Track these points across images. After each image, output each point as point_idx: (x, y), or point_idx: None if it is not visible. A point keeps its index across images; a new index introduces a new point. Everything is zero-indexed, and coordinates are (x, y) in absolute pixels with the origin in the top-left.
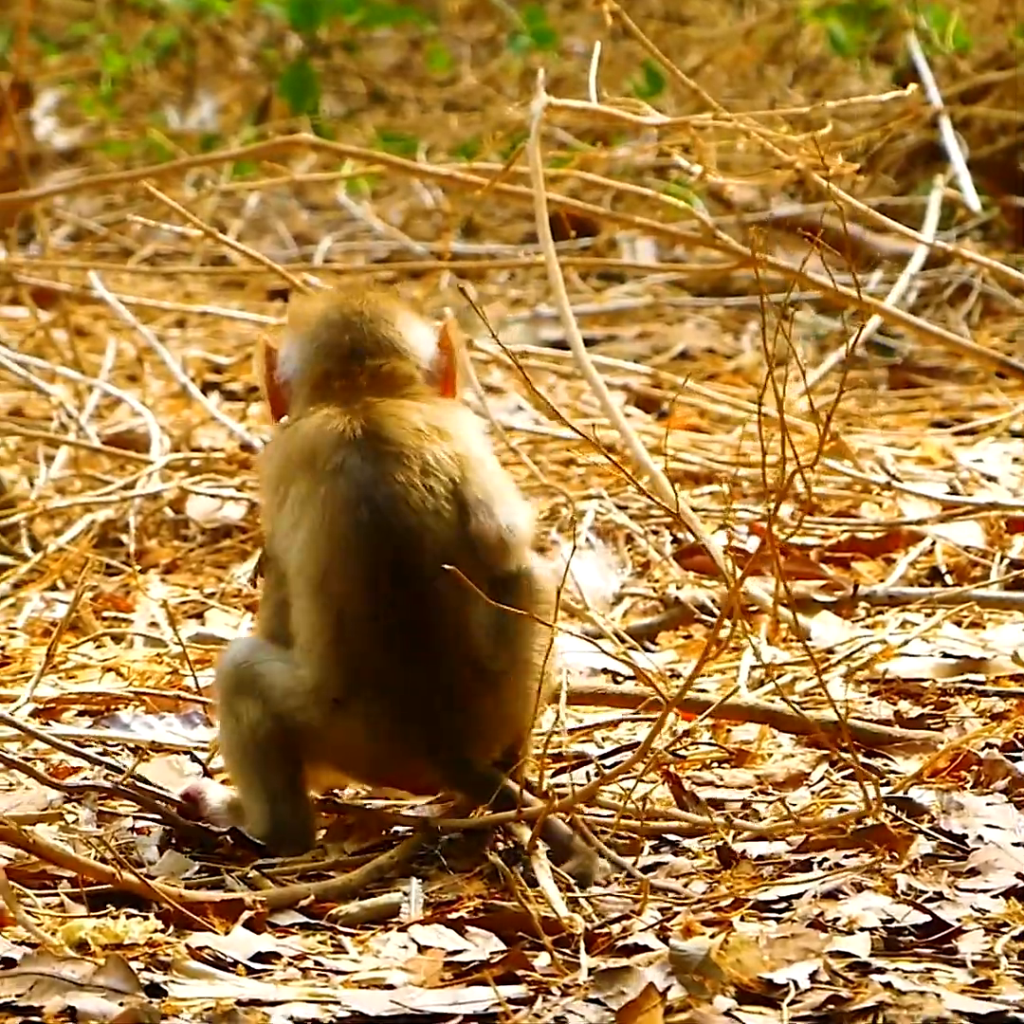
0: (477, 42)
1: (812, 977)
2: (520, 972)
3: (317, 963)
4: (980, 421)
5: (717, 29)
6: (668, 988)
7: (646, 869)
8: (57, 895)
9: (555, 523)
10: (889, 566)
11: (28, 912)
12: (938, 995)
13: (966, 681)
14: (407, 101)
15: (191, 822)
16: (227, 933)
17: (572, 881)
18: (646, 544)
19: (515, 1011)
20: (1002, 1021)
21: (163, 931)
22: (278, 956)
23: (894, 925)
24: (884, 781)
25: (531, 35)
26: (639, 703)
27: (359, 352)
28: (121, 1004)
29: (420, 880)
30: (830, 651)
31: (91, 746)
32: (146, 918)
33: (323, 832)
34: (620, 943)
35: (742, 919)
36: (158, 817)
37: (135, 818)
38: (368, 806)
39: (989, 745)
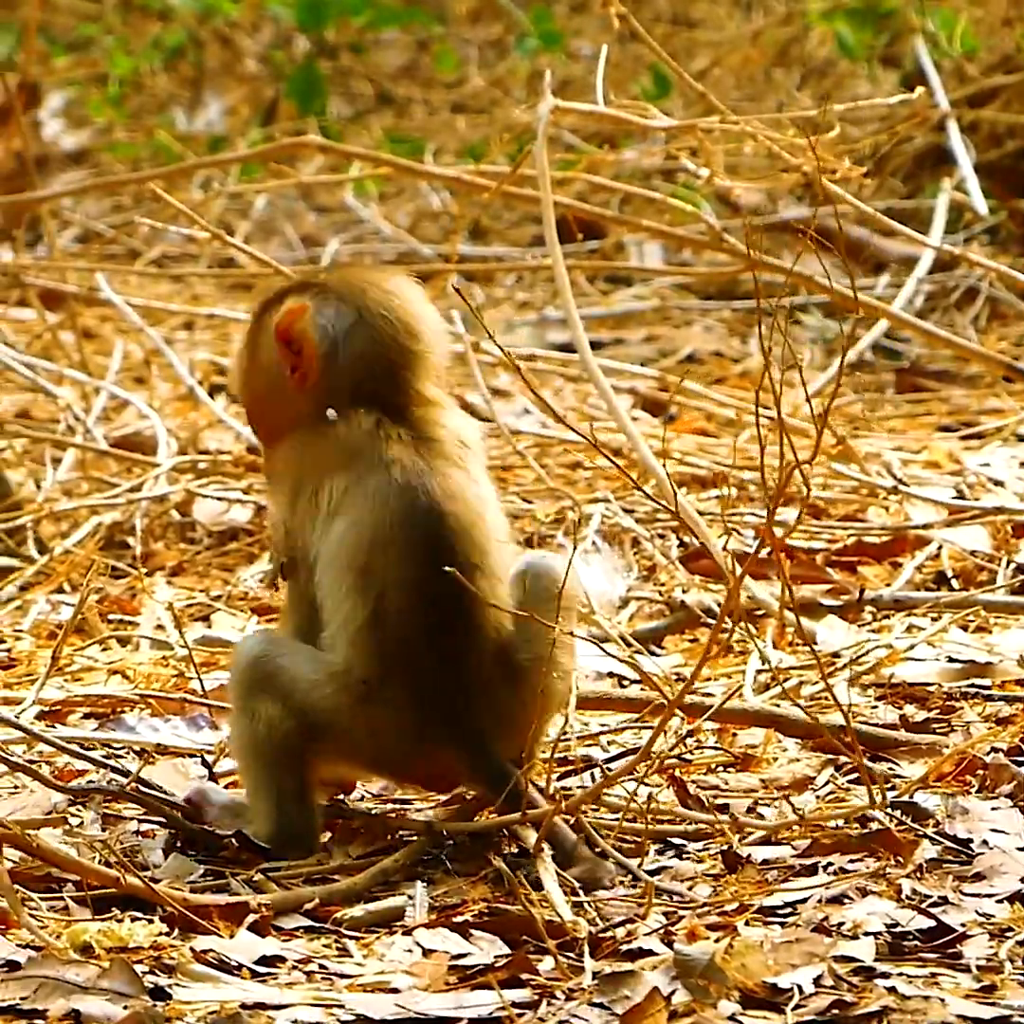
0: (484, 44)
1: (816, 982)
2: (524, 976)
3: (322, 966)
4: (987, 425)
5: (724, 32)
6: (672, 992)
7: (651, 873)
8: (61, 898)
9: (561, 526)
10: (895, 570)
11: (32, 915)
12: (942, 1000)
13: (972, 685)
14: (414, 103)
15: (196, 825)
16: (232, 936)
17: (579, 886)
18: (652, 548)
19: (519, 1015)
20: None
21: (168, 934)
22: (283, 959)
23: (899, 930)
24: (890, 785)
25: (538, 37)
26: (645, 707)
27: (406, 358)
28: (125, 1007)
29: (425, 884)
30: (836, 655)
31: (96, 749)
32: (151, 921)
33: (327, 836)
34: (624, 947)
35: (747, 923)
36: (163, 820)
37: (140, 821)
38: (374, 810)
39: (995, 749)
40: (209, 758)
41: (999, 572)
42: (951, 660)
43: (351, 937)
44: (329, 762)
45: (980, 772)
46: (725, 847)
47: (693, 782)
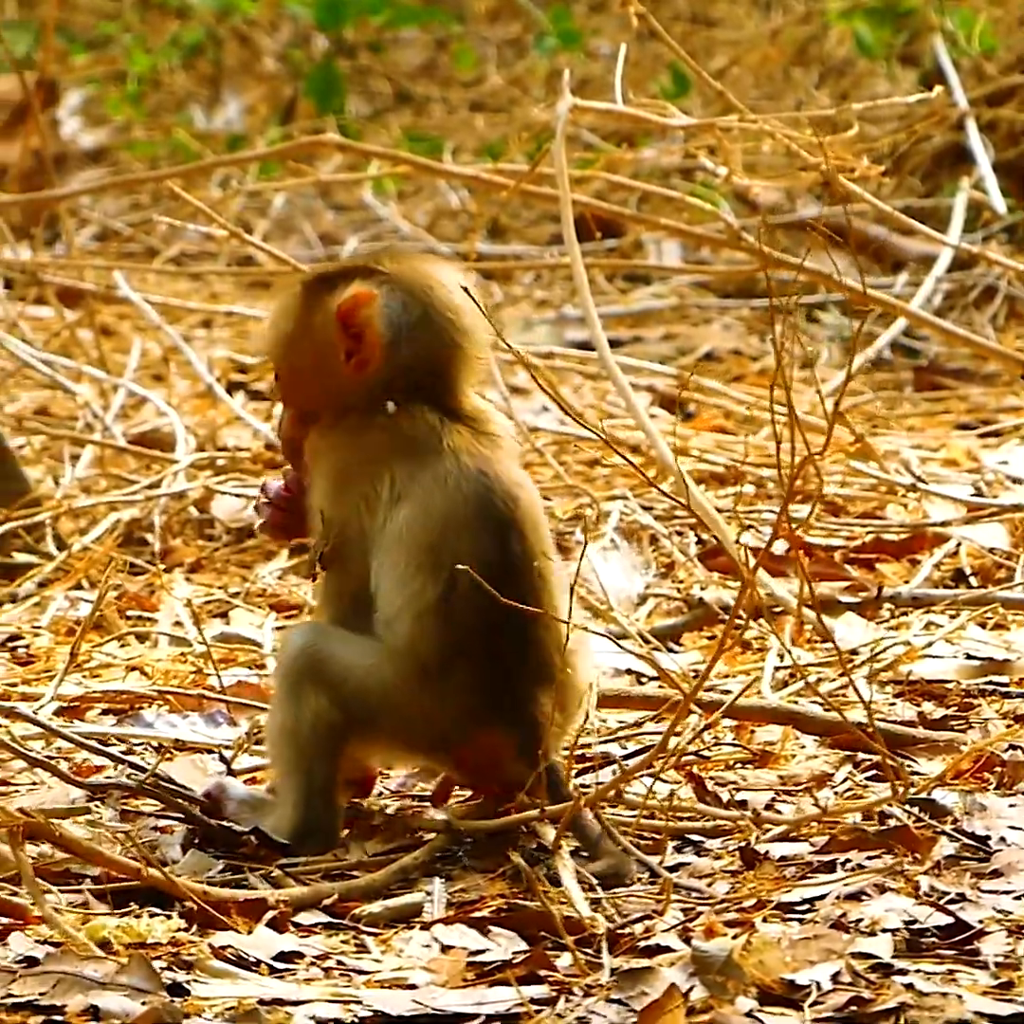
0: (503, 43)
1: (834, 978)
2: (542, 972)
3: (340, 962)
4: (1005, 423)
5: (743, 31)
6: (690, 989)
7: (669, 870)
8: (80, 893)
9: (579, 524)
10: (914, 567)
11: (53, 910)
12: (960, 996)
13: (990, 683)
14: (433, 102)
15: (214, 821)
16: (250, 932)
17: (601, 881)
18: (670, 545)
19: (537, 1011)
20: None
21: (186, 930)
22: (301, 955)
23: (916, 926)
24: (909, 783)
25: (557, 36)
26: (663, 704)
27: (462, 358)
28: (144, 1003)
29: (443, 880)
30: (854, 652)
31: (115, 745)
32: (169, 917)
33: (346, 832)
34: (642, 944)
35: (765, 920)
36: (181, 816)
37: (158, 817)
38: (392, 807)
39: (1013, 747)
40: (227, 754)
41: (1017, 569)
42: (969, 657)
43: (369, 933)
44: (373, 747)
45: (998, 769)
46: (743, 844)
47: (711, 779)
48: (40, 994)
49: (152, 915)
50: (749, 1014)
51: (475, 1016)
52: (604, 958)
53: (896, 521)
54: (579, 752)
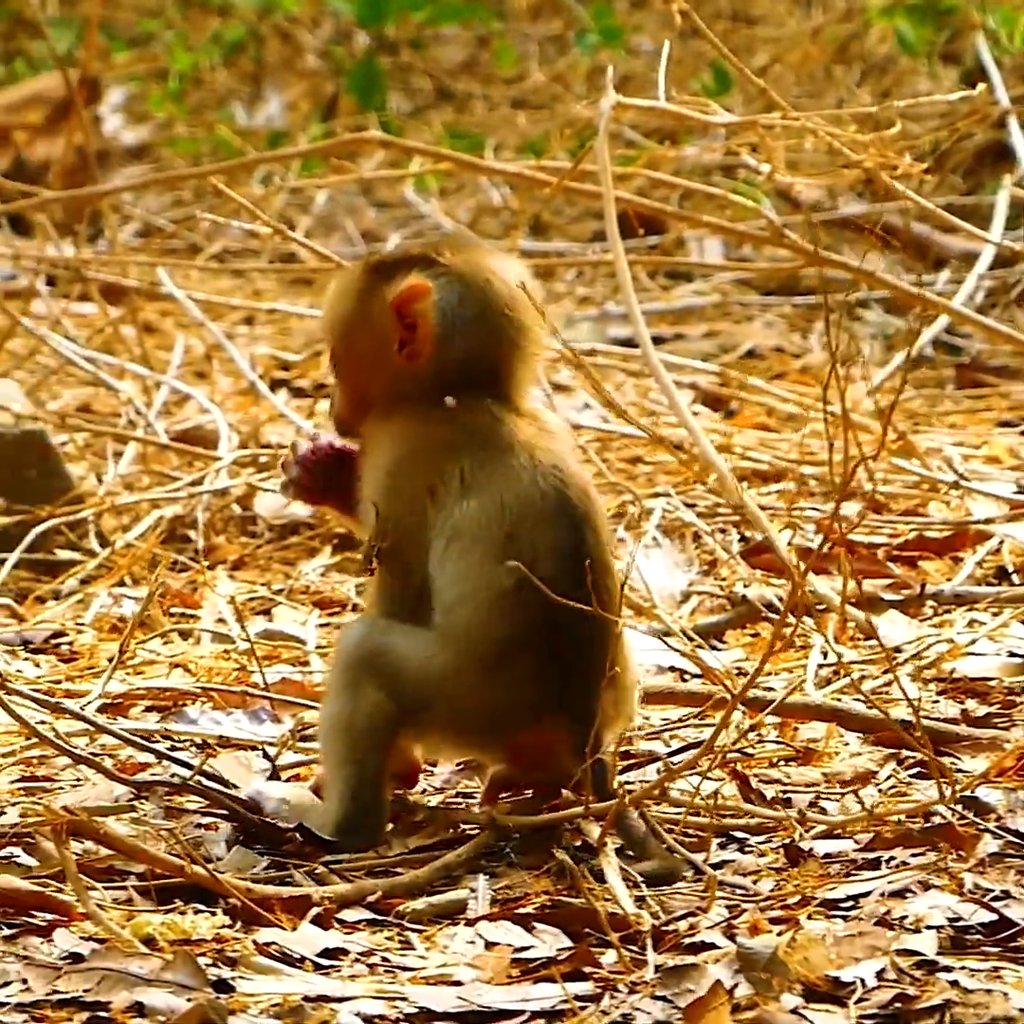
0: (544, 39)
1: (879, 975)
2: (587, 969)
3: (384, 959)
4: None
5: (784, 28)
6: (735, 986)
7: (713, 867)
8: (125, 890)
9: (622, 521)
10: (956, 565)
11: (97, 906)
12: (1005, 993)
13: None
14: (474, 98)
15: (258, 818)
16: (295, 929)
17: (648, 881)
18: (713, 542)
19: (582, 1008)
20: None
21: (231, 927)
22: (345, 952)
23: (961, 924)
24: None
25: (599, 33)
26: (707, 701)
27: (517, 355)
28: (188, 999)
29: (487, 877)
30: (897, 650)
31: (159, 742)
32: (214, 914)
33: (389, 827)
34: (687, 940)
35: (809, 917)
36: (225, 813)
37: (202, 814)
38: (434, 802)
39: None
40: (271, 751)
41: None
42: (1012, 655)
43: (414, 930)
44: (426, 738)
45: None
46: (787, 841)
47: (755, 776)
48: (85, 990)
49: (197, 912)
50: (794, 1011)
51: (520, 1013)
52: (649, 955)
53: (939, 518)
54: (623, 749)
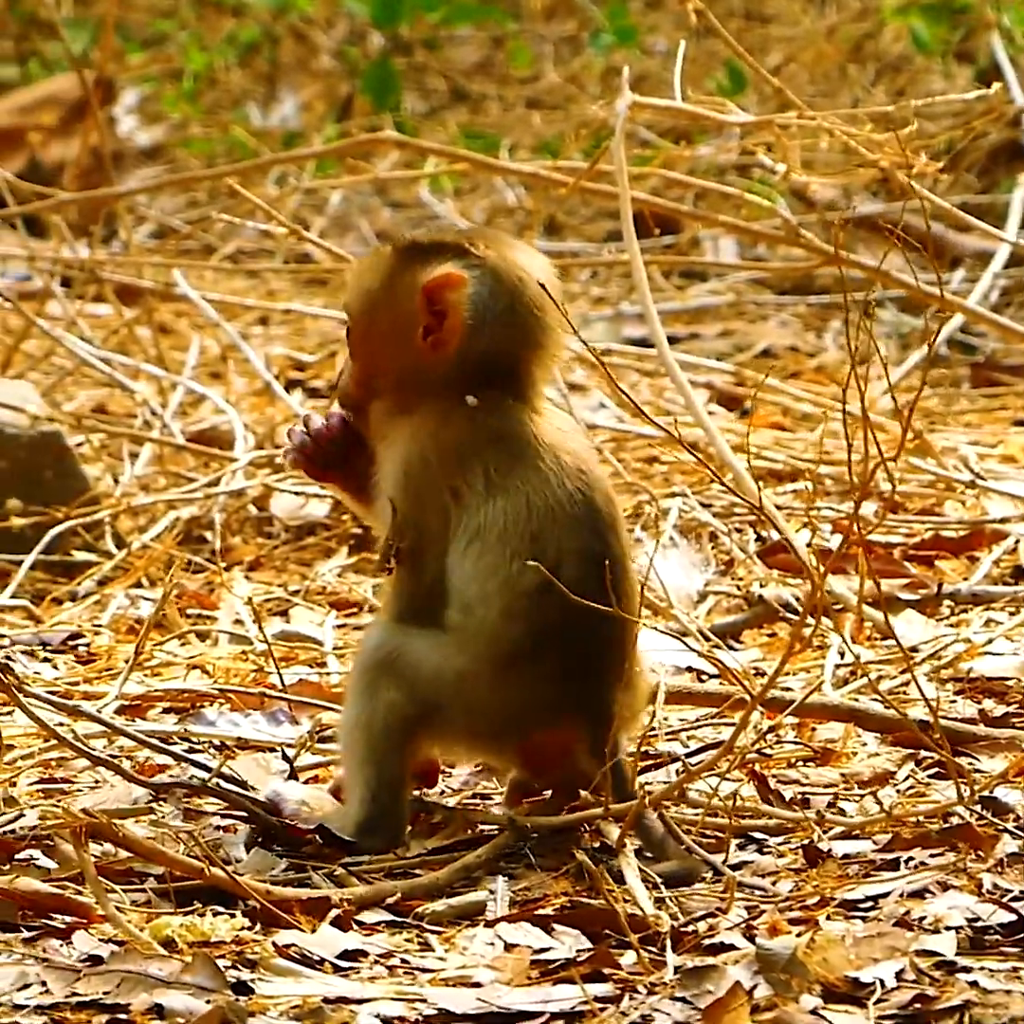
0: (559, 40)
1: (898, 976)
2: (607, 970)
3: (404, 961)
4: None
5: (799, 28)
6: (754, 987)
7: (732, 868)
8: (144, 892)
9: (639, 521)
10: (973, 564)
11: (116, 908)
12: None
13: None
14: (489, 99)
15: (278, 820)
16: (314, 931)
17: (668, 881)
18: (730, 542)
19: (602, 1009)
20: None
21: (250, 929)
22: (365, 954)
23: (980, 924)
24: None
25: (613, 33)
26: (724, 702)
27: (540, 353)
28: (208, 1001)
29: (506, 878)
30: (914, 649)
31: (177, 743)
32: (233, 916)
33: (408, 829)
34: (706, 942)
35: (828, 918)
36: (244, 815)
37: (221, 816)
38: (453, 802)
39: None
40: (290, 752)
41: None
42: None
43: (433, 931)
44: (443, 739)
45: None
46: (806, 842)
47: (773, 777)
48: (104, 993)
49: (216, 914)
50: (813, 1012)
51: (540, 1014)
52: (668, 956)
53: (955, 518)
54: (643, 749)
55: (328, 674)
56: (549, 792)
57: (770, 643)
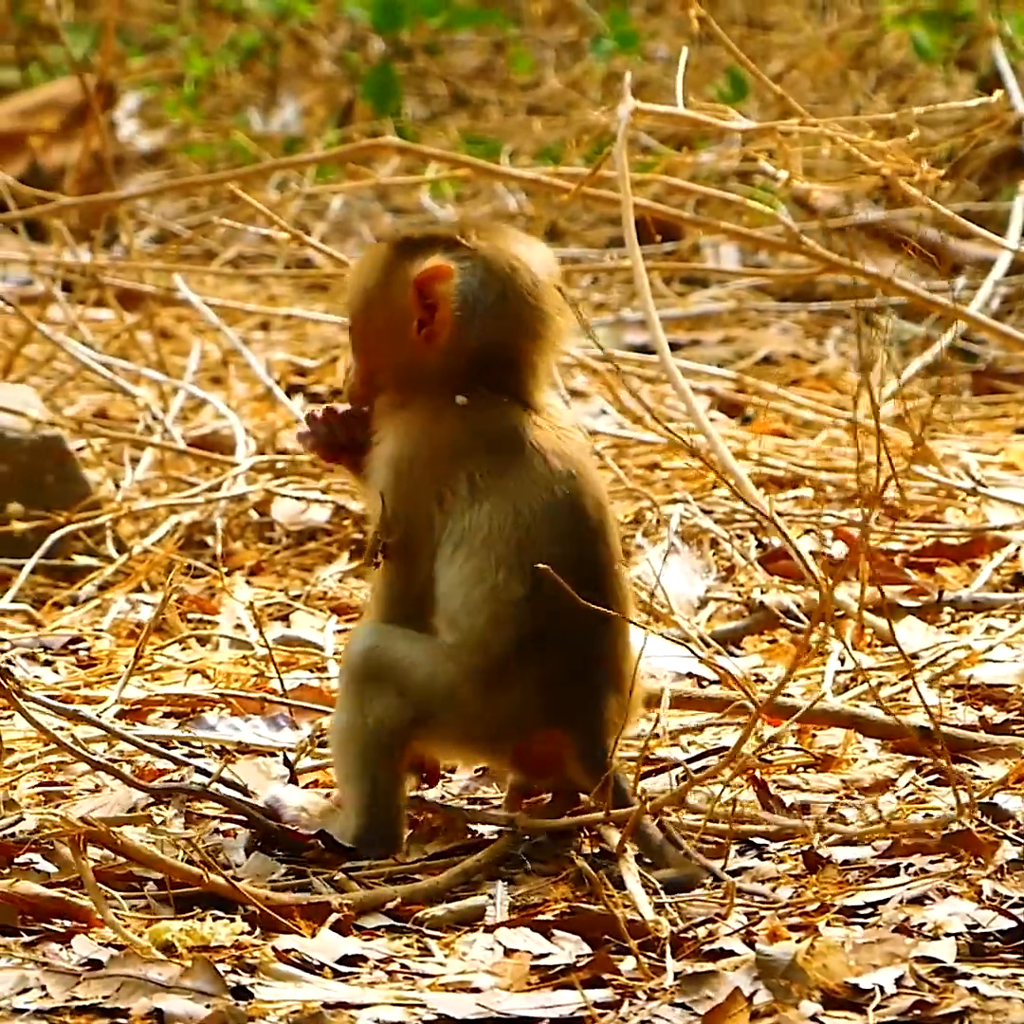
0: (560, 45)
1: (898, 982)
2: (606, 976)
3: (403, 966)
4: None
5: (800, 35)
6: (754, 993)
7: (732, 874)
8: (143, 897)
9: (640, 527)
10: (974, 571)
11: (115, 914)
12: None
13: None
14: (490, 104)
15: (277, 825)
16: (314, 936)
17: (666, 887)
18: (731, 548)
19: (601, 1015)
20: None
21: (249, 933)
22: (364, 959)
23: (980, 930)
24: (971, 787)
25: (614, 39)
26: (725, 706)
27: (535, 343)
28: (208, 1006)
29: (506, 883)
30: (915, 656)
31: (177, 748)
32: (233, 920)
33: (408, 833)
34: (706, 947)
35: (828, 924)
36: (244, 819)
37: (221, 821)
38: (452, 803)
39: None
40: (290, 757)
41: None
42: None
43: (433, 936)
44: (436, 745)
45: None
46: (806, 848)
47: (773, 782)
48: (104, 997)
49: (215, 918)
50: (813, 1018)
51: (539, 1020)
52: (668, 962)
53: (956, 525)
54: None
55: (329, 679)
56: (549, 796)
57: (771, 649)
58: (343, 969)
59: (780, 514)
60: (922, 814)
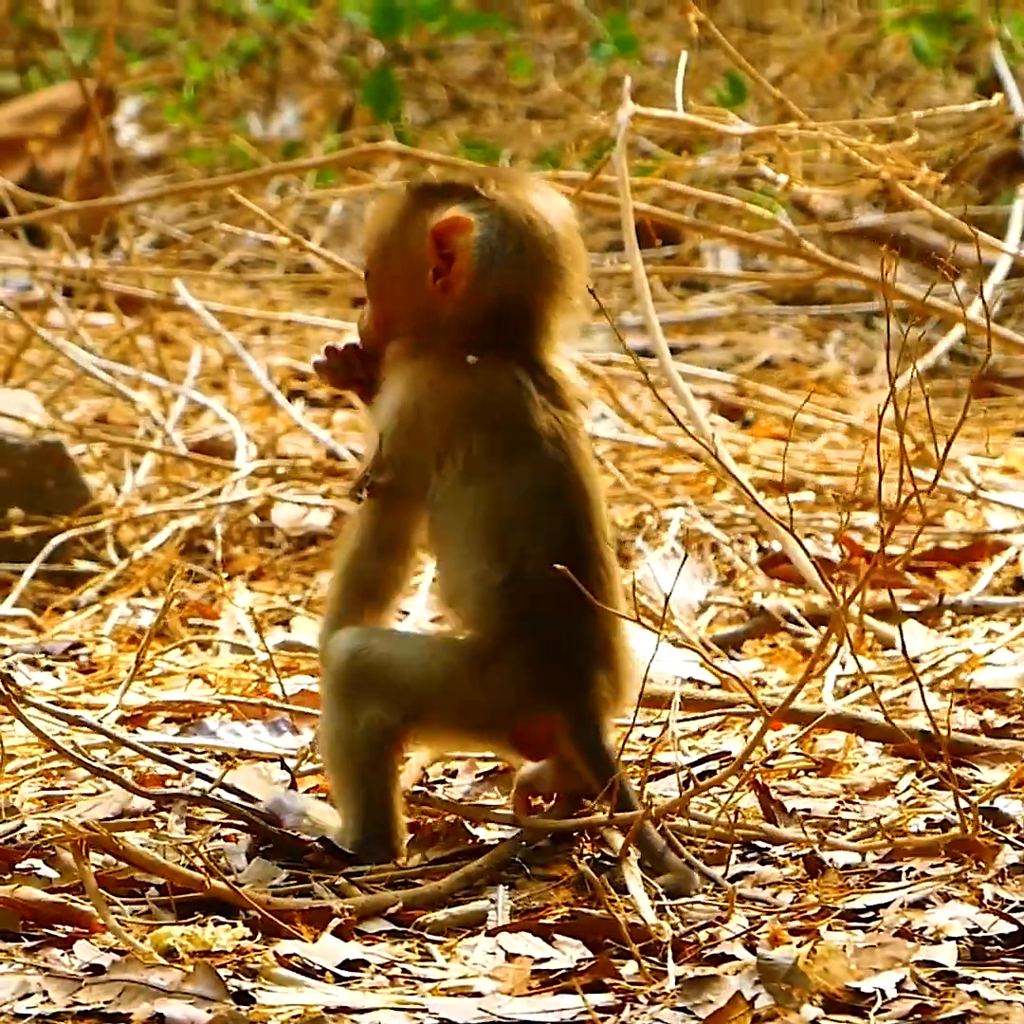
0: (559, 50)
1: (899, 986)
2: (608, 980)
3: (405, 970)
4: None
5: (799, 38)
6: (755, 997)
7: (733, 878)
8: (145, 903)
9: (640, 531)
10: (974, 575)
11: (116, 919)
12: None
13: None
14: (489, 109)
15: (279, 830)
16: (315, 941)
17: (663, 892)
18: (731, 553)
19: (603, 1019)
20: None
21: (251, 938)
22: (366, 964)
23: (981, 935)
24: (971, 791)
25: (614, 43)
26: (736, 712)
27: (551, 296)
28: (209, 1011)
29: (507, 888)
30: (916, 660)
31: (178, 753)
32: (234, 926)
33: (410, 837)
34: (707, 952)
35: (829, 928)
36: (245, 825)
37: (223, 826)
38: (457, 803)
39: None
40: (291, 762)
41: None
42: None
43: (434, 941)
44: (431, 738)
45: None
46: (807, 852)
47: (774, 787)
48: (106, 1002)
49: (217, 923)
50: (814, 1022)
51: None
52: (669, 966)
53: (956, 529)
54: (642, 758)
55: None
56: (552, 802)
57: (771, 653)
58: (345, 974)
59: (780, 518)
60: (923, 818)
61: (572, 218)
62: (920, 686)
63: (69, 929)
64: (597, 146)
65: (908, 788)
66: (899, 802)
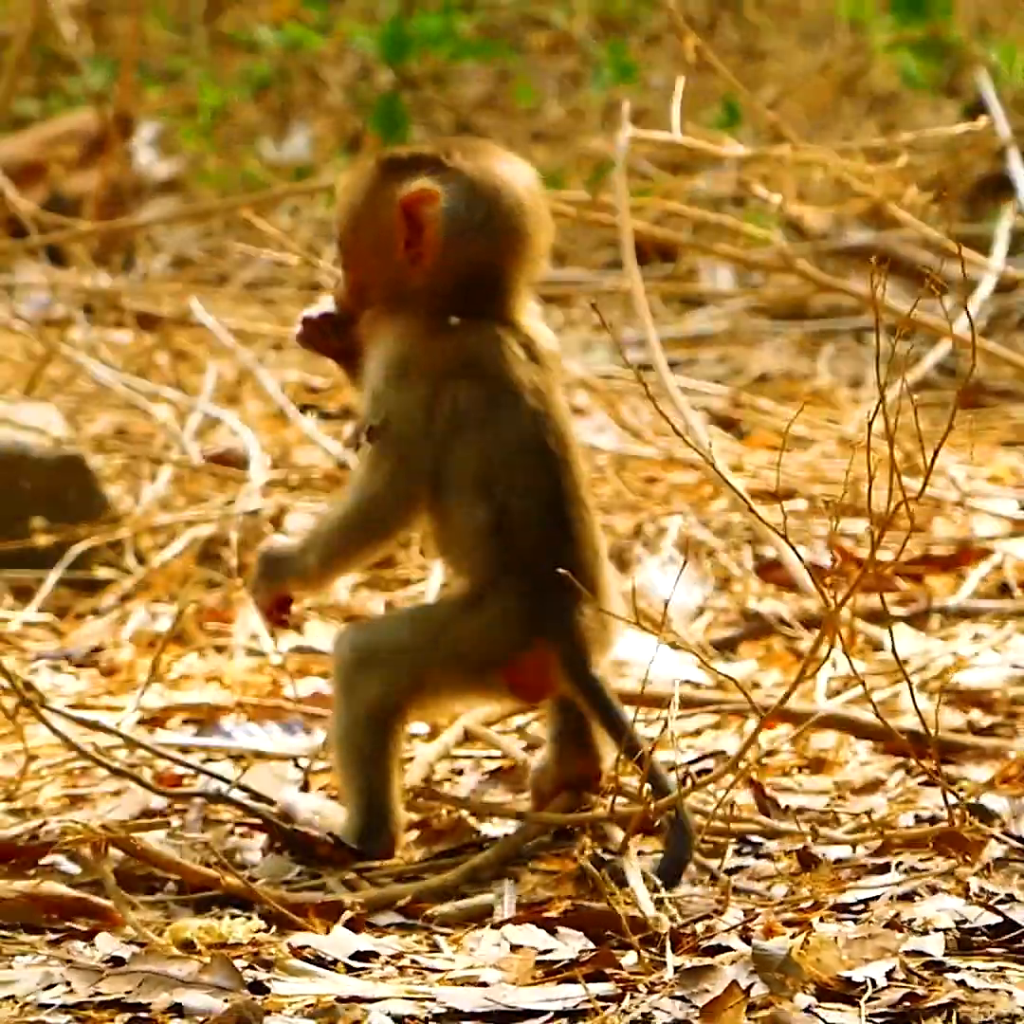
0: (561, 76)
1: (889, 975)
2: (608, 970)
3: (413, 961)
4: None
5: (793, 64)
6: (751, 986)
7: (729, 872)
8: (163, 899)
9: (640, 538)
10: (961, 580)
11: (136, 919)
12: (1010, 992)
13: None
14: (494, 132)
15: (292, 827)
16: (327, 933)
17: (658, 881)
18: (727, 559)
19: (603, 1008)
20: None
21: (266, 931)
22: (376, 955)
23: (967, 926)
24: (958, 788)
25: (614, 71)
26: (734, 713)
27: (519, 262)
28: (225, 1000)
29: (513, 881)
30: (904, 662)
31: (195, 754)
32: (249, 918)
33: (415, 835)
34: (704, 943)
35: (822, 920)
36: (260, 822)
37: (237, 824)
38: (463, 799)
39: None
40: (303, 762)
41: None
42: (1015, 666)
43: (442, 933)
44: (433, 701)
45: None
46: (801, 846)
47: (768, 784)
48: (126, 992)
49: (233, 917)
50: (807, 1010)
51: (544, 1012)
52: (668, 957)
53: (944, 536)
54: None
55: None
56: (556, 797)
57: (766, 656)
58: (356, 964)
59: (774, 525)
60: (912, 814)
61: (536, 184)
62: (909, 687)
63: (91, 923)
64: (597, 168)
65: (898, 785)
66: (889, 799)
